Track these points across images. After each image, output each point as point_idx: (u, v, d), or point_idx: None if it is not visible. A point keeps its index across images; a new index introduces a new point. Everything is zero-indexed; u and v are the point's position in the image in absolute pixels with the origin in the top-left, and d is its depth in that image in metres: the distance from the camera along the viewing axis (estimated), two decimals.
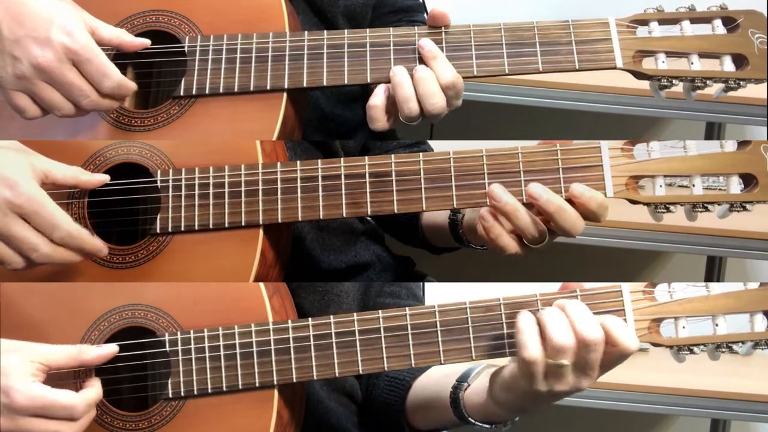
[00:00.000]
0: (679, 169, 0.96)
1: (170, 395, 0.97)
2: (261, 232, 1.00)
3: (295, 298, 1.09)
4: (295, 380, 0.97)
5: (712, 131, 2.14)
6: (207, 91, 1.03)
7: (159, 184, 1.01)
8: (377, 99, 1.02)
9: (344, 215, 1.00)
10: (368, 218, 1.29)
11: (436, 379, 1.07)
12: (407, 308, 0.97)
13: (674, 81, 1.01)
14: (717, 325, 0.93)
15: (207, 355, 0.97)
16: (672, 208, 0.97)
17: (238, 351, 0.97)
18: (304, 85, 1.03)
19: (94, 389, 0.94)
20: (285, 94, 1.03)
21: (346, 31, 1.04)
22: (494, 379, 0.96)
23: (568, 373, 0.90)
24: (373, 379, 1.16)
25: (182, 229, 1.01)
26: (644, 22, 1.02)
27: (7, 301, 1.01)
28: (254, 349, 0.97)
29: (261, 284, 0.99)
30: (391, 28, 1.04)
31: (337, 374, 0.96)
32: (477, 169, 0.99)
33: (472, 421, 1.00)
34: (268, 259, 1.02)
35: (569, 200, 0.96)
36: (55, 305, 1.01)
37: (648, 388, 1.86)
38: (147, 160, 1.03)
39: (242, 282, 0.99)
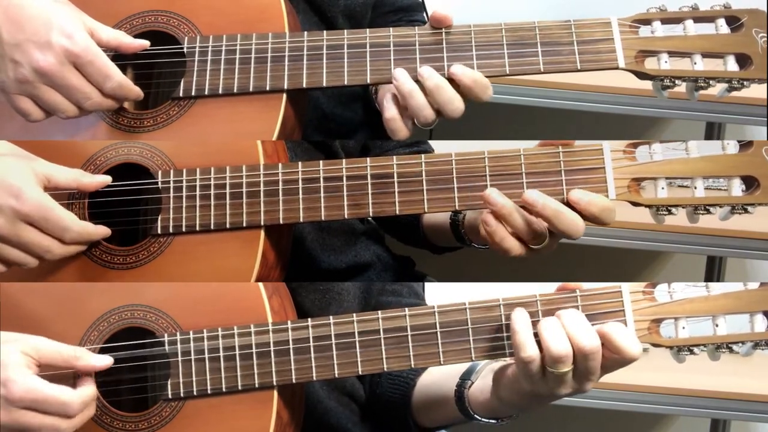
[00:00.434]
0: (681, 171, 0.96)
1: (170, 396, 0.97)
2: (262, 233, 1.00)
3: (295, 297, 1.09)
4: (294, 381, 0.97)
5: (713, 131, 2.14)
6: (206, 92, 1.03)
7: (160, 184, 1.01)
8: (391, 111, 1.01)
9: (346, 216, 0.99)
10: (369, 219, 1.29)
11: (440, 377, 1.08)
12: (406, 309, 0.96)
13: (677, 81, 1.00)
14: (717, 325, 0.93)
15: (206, 356, 0.97)
16: (674, 210, 0.97)
17: (237, 352, 0.97)
18: (304, 85, 1.03)
19: (90, 388, 0.94)
20: (284, 95, 1.03)
21: (345, 31, 1.03)
22: (497, 378, 0.96)
23: (569, 379, 0.91)
24: (376, 378, 1.16)
25: (183, 229, 1.00)
26: (647, 22, 1.01)
27: (8, 301, 1.01)
28: (253, 350, 0.97)
29: (260, 285, 0.99)
30: (391, 29, 1.03)
31: (336, 375, 0.96)
32: (479, 170, 0.98)
33: (477, 417, 1.01)
34: (269, 260, 1.02)
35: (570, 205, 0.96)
36: (55, 305, 1.01)
37: (648, 388, 1.86)
38: (148, 160, 1.02)
39: (242, 282, 0.99)
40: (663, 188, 0.96)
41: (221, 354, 0.97)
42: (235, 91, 1.03)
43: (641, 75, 1.01)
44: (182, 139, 1.03)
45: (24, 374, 0.89)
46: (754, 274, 2.33)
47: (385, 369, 0.96)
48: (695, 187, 0.96)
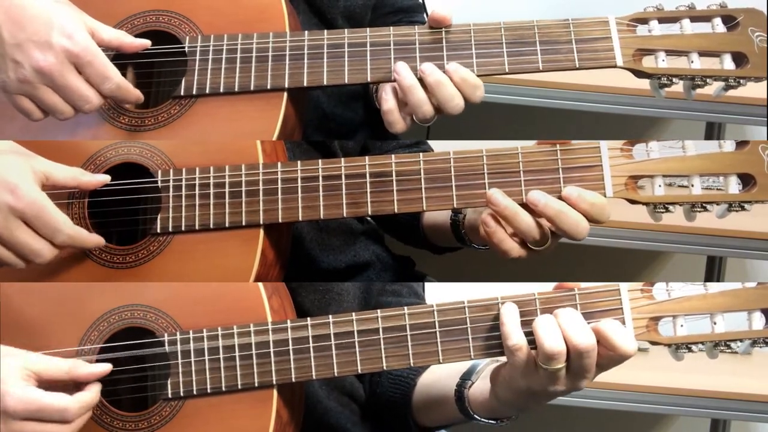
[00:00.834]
0: (678, 169, 0.97)
1: (169, 395, 0.97)
2: (261, 231, 1.00)
3: (295, 297, 1.09)
4: (294, 380, 0.97)
5: (712, 131, 2.14)
6: (207, 91, 1.03)
7: (159, 184, 1.01)
8: (389, 103, 1.02)
9: (345, 215, 1.00)
10: (368, 219, 1.29)
11: (440, 377, 1.08)
12: (406, 308, 0.97)
13: (674, 79, 1.01)
14: (715, 323, 0.93)
15: (206, 355, 0.97)
16: (671, 208, 0.97)
17: (237, 351, 0.97)
18: (305, 84, 1.03)
19: (89, 392, 0.94)
20: (285, 94, 1.03)
21: (346, 30, 1.04)
22: (495, 377, 0.96)
23: (563, 376, 0.91)
24: (377, 377, 1.16)
25: (183, 229, 1.01)
26: (644, 21, 1.02)
27: (7, 301, 1.01)
28: (253, 349, 0.97)
29: (260, 284, 0.99)
30: (391, 28, 1.04)
31: (336, 374, 0.96)
32: (477, 169, 0.99)
33: (477, 417, 1.01)
34: (268, 259, 1.02)
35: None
36: (54, 305, 1.01)
37: (648, 388, 1.86)
38: (147, 160, 1.03)
39: (242, 282, 0.99)
40: (660, 186, 0.97)
41: (221, 353, 0.97)
42: (236, 89, 1.03)
43: (639, 73, 1.01)
44: (182, 139, 1.03)
45: (20, 386, 0.89)
46: (754, 274, 2.33)
47: (385, 368, 0.96)
48: (692, 185, 0.96)
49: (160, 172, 1.02)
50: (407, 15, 1.31)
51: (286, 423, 1.00)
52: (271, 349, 0.97)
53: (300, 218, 1.00)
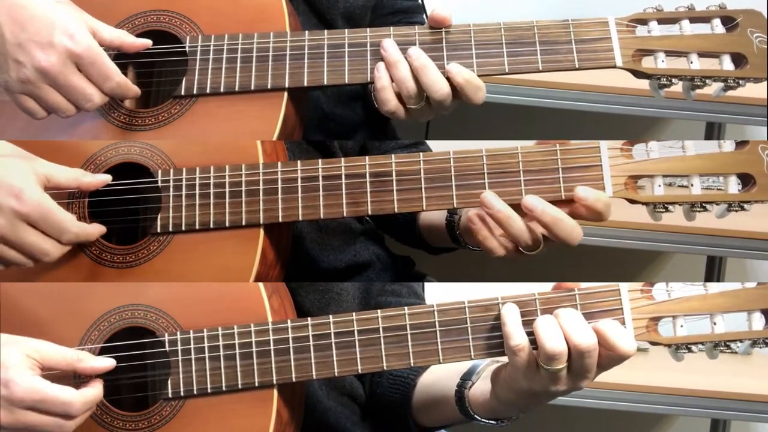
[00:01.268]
0: (678, 169, 0.97)
1: (170, 395, 0.98)
2: (262, 231, 1.00)
3: (295, 297, 1.09)
4: (294, 380, 0.97)
5: (712, 131, 2.14)
6: (208, 91, 1.03)
7: (160, 183, 1.01)
8: (382, 81, 1.02)
9: (345, 215, 1.00)
10: (367, 218, 1.29)
11: (440, 377, 1.08)
12: (406, 308, 0.97)
13: (673, 80, 1.01)
14: (715, 323, 0.93)
15: (206, 355, 0.98)
16: (671, 207, 0.97)
17: (237, 351, 0.97)
18: (305, 84, 1.03)
19: (93, 389, 0.94)
20: (286, 93, 1.03)
21: (346, 30, 1.04)
22: (495, 377, 0.96)
23: (564, 376, 0.91)
24: (377, 378, 1.16)
25: (183, 228, 1.01)
26: (643, 22, 1.02)
27: (8, 300, 1.01)
28: (253, 348, 0.97)
29: (260, 284, 1.00)
30: (391, 28, 1.04)
31: (336, 374, 0.96)
32: (477, 168, 0.99)
33: (478, 418, 1.01)
34: (268, 259, 1.02)
35: (571, 203, 0.96)
36: (55, 305, 1.01)
37: (648, 388, 1.86)
38: (148, 159, 1.03)
39: (242, 282, 0.99)
40: (660, 186, 0.97)
41: (221, 353, 0.98)
42: (236, 89, 1.03)
43: (638, 74, 1.02)
44: (182, 138, 1.03)
45: (26, 375, 0.90)
46: (754, 274, 2.33)
47: (385, 368, 0.96)
48: (692, 185, 0.96)
49: (160, 171, 1.02)
50: (407, 16, 1.31)
51: (287, 422, 1.00)
52: (272, 349, 0.97)
53: (300, 218, 1.00)
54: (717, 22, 1.01)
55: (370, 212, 0.99)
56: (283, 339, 0.97)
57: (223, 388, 0.97)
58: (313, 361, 0.97)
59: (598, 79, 1.96)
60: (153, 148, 1.03)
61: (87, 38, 0.96)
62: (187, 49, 1.04)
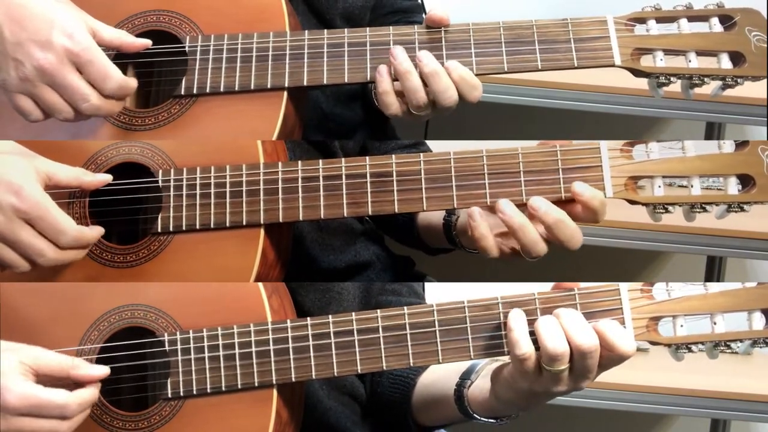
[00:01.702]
0: (678, 170, 0.97)
1: (169, 395, 0.98)
2: (262, 231, 1.00)
3: (295, 296, 1.09)
4: (293, 380, 0.97)
5: (713, 131, 2.14)
6: (208, 90, 1.03)
7: (160, 183, 1.01)
8: (384, 85, 1.02)
9: (345, 215, 1.00)
10: (367, 219, 1.29)
11: (440, 376, 1.08)
12: (405, 307, 0.97)
13: (672, 78, 1.01)
14: (715, 323, 0.93)
15: (206, 355, 0.98)
16: (670, 208, 0.97)
17: (237, 351, 0.97)
18: (305, 83, 1.03)
19: (88, 390, 0.93)
20: (285, 93, 1.03)
21: (346, 30, 1.04)
22: (495, 377, 0.96)
23: (565, 377, 0.91)
24: (377, 377, 1.16)
25: (183, 228, 1.01)
26: (642, 20, 1.02)
27: (8, 301, 1.01)
28: (253, 348, 0.97)
29: (260, 284, 1.00)
30: (391, 27, 1.04)
31: (335, 374, 0.96)
32: (477, 169, 0.99)
33: (477, 417, 1.01)
34: (269, 259, 1.02)
35: (568, 204, 0.96)
36: (55, 305, 1.01)
37: (648, 388, 1.86)
38: (148, 159, 1.03)
39: (242, 282, 0.99)
40: (660, 186, 0.97)
41: (221, 353, 0.98)
42: (236, 89, 1.03)
43: (637, 72, 1.02)
44: (183, 138, 1.03)
45: (19, 381, 0.89)
46: (754, 274, 2.33)
47: (385, 368, 0.96)
48: (692, 186, 0.96)
49: (161, 171, 1.02)
50: (406, 15, 1.31)
51: (286, 423, 1.00)
52: (271, 349, 0.97)
53: (300, 218, 1.00)
54: (715, 20, 1.01)
55: (370, 212, 1.00)
56: (283, 339, 0.97)
57: (223, 389, 0.97)
58: (312, 361, 0.97)
59: (598, 79, 1.96)
60: (154, 148, 1.03)
61: (86, 38, 0.96)
62: (186, 49, 1.04)
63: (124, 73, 1.00)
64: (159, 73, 1.11)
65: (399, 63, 1.01)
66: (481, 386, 1.00)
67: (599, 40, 1.01)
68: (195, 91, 1.04)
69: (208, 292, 1.00)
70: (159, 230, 1.01)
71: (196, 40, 1.05)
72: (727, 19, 1.01)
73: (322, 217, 1.00)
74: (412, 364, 0.96)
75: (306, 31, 1.04)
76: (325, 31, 1.04)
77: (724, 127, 2.12)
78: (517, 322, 0.92)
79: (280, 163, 1.01)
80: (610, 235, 1.94)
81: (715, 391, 1.85)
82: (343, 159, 1.00)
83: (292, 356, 0.97)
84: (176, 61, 1.05)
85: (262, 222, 1.00)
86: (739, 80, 1.00)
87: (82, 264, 1.00)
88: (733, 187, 0.96)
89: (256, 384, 0.97)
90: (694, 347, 0.94)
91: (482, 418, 1.01)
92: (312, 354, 0.97)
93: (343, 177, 1.00)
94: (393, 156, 1.00)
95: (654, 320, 0.93)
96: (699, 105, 1.94)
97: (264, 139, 1.02)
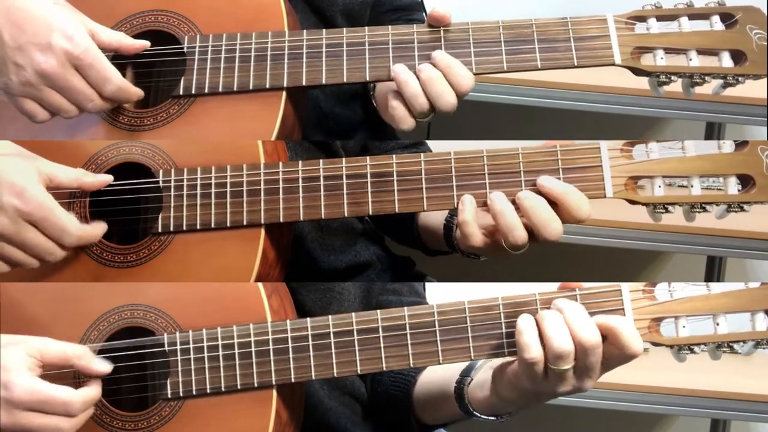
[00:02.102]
0: (678, 170, 0.97)
1: (169, 395, 0.97)
2: (263, 231, 1.00)
3: (296, 296, 1.09)
4: (293, 380, 0.97)
5: (713, 131, 2.14)
6: (206, 90, 1.03)
7: (161, 183, 1.01)
8: (394, 101, 1.02)
9: (346, 214, 1.00)
10: (367, 218, 1.29)
11: (440, 374, 1.08)
12: (405, 308, 0.97)
13: (673, 77, 1.01)
14: (718, 324, 0.93)
15: (206, 355, 0.97)
16: (670, 208, 0.97)
17: (236, 351, 0.97)
18: (303, 83, 1.03)
19: (93, 389, 0.94)
20: (284, 93, 1.03)
21: (344, 30, 1.04)
22: (497, 376, 0.96)
23: (570, 376, 0.91)
24: (378, 376, 1.16)
25: (184, 228, 1.01)
26: (642, 19, 1.02)
27: (8, 301, 1.01)
28: (252, 349, 0.97)
29: (260, 284, 0.99)
30: (389, 27, 1.04)
31: (335, 374, 0.96)
32: (478, 169, 0.99)
33: (477, 414, 1.01)
34: (269, 259, 1.02)
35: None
36: (55, 305, 1.01)
37: (648, 388, 1.86)
38: (149, 159, 1.03)
39: (242, 282, 0.99)
40: (660, 186, 0.97)
41: (220, 353, 0.97)
42: (234, 89, 1.03)
43: (637, 71, 1.02)
44: (183, 138, 1.03)
45: (25, 376, 0.90)
46: (754, 274, 2.33)
47: (384, 368, 0.96)
48: (692, 186, 0.96)
49: (161, 171, 1.02)
50: (406, 13, 1.31)
51: (286, 423, 1.00)
52: (271, 349, 0.97)
53: (301, 218, 1.00)
54: (716, 18, 1.01)
55: (371, 212, 0.99)
56: (282, 339, 0.97)
57: (222, 389, 0.97)
58: (312, 361, 0.97)
59: (598, 79, 1.96)
60: (154, 148, 1.03)
61: (86, 40, 0.96)
62: (185, 49, 1.04)
63: (123, 74, 1.00)
64: (158, 74, 1.10)
65: (398, 73, 1.01)
66: (481, 383, 1.00)
67: (599, 39, 1.01)
68: (193, 92, 1.03)
69: (208, 292, 1.00)
70: (159, 230, 1.01)
71: (194, 40, 1.05)
72: (728, 17, 1.00)
73: (322, 217, 1.00)
74: (412, 365, 0.96)
75: (305, 31, 1.04)
76: (324, 31, 1.04)
77: (724, 127, 2.13)
78: (527, 325, 0.92)
79: (280, 163, 1.01)
80: (610, 235, 1.94)
81: (715, 391, 1.85)
82: (343, 159, 1.00)
83: (291, 356, 0.97)
84: (175, 61, 1.05)
85: (262, 222, 1.00)
86: (740, 79, 1.00)
87: (82, 264, 1.01)
88: (732, 187, 0.96)
89: (256, 384, 0.97)
90: (696, 348, 0.94)
91: (483, 416, 1.01)
92: (312, 354, 0.97)
93: (344, 177, 1.00)
94: (393, 156, 1.00)
95: (656, 321, 0.93)
96: (699, 105, 1.94)
97: (263, 139, 1.02)
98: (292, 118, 1.05)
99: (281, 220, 1.00)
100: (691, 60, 1.00)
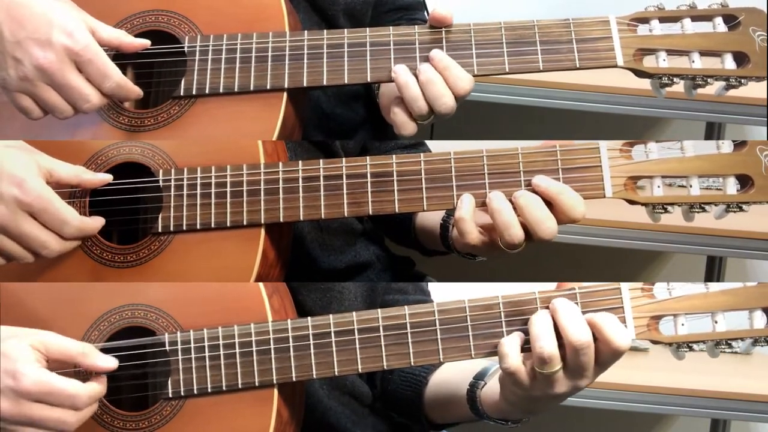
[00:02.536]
0: (677, 170, 0.97)
1: (170, 395, 0.98)
2: (263, 231, 1.00)
3: (296, 296, 1.09)
4: (294, 379, 0.97)
5: (712, 131, 2.14)
6: (207, 91, 1.03)
7: (161, 183, 1.01)
8: (395, 108, 1.03)
9: (345, 214, 1.00)
10: (366, 218, 1.29)
11: (453, 376, 1.08)
12: (406, 307, 0.97)
13: (675, 79, 1.01)
14: (716, 322, 0.93)
15: (207, 354, 0.98)
16: (670, 208, 0.97)
17: (237, 350, 0.97)
18: (304, 84, 1.03)
19: (98, 384, 0.94)
20: (285, 94, 1.03)
21: (346, 30, 1.04)
22: (502, 380, 0.97)
23: (561, 378, 0.91)
24: (388, 374, 1.16)
25: (184, 228, 1.01)
26: (645, 20, 1.02)
27: (8, 301, 1.01)
28: (254, 348, 0.97)
29: (260, 284, 1.00)
30: (391, 28, 1.04)
31: (336, 373, 0.96)
32: (477, 169, 0.99)
33: (489, 418, 1.01)
34: (269, 259, 1.02)
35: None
36: (55, 305, 1.01)
37: (648, 388, 1.86)
38: (149, 159, 1.03)
39: (242, 282, 0.99)
40: (659, 187, 0.97)
41: (221, 353, 0.98)
42: (235, 90, 1.03)
43: (640, 73, 1.01)
44: (183, 139, 1.03)
45: (34, 367, 0.90)
46: (754, 274, 2.34)
47: (385, 367, 0.96)
48: (691, 186, 0.97)
49: (161, 171, 1.02)
50: (408, 13, 1.31)
51: (287, 422, 1.00)
52: (272, 348, 0.97)
53: (301, 218, 1.00)
54: (719, 20, 1.00)
55: (371, 212, 0.99)
56: (283, 338, 0.97)
57: (224, 388, 0.97)
58: (313, 360, 0.97)
59: (598, 79, 1.96)
60: (154, 148, 1.03)
61: (86, 37, 0.96)
62: (186, 49, 1.04)
63: (124, 74, 1.00)
64: (158, 74, 1.10)
65: (398, 76, 1.01)
66: (494, 388, 1.00)
67: (601, 41, 1.01)
68: (194, 92, 1.03)
69: (209, 291, 1.00)
70: (159, 230, 1.01)
71: (195, 41, 1.04)
72: (731, 19, 1.00)
73: (322, 217, 1.00)
74: (413, 364, 0.96)
75: (305, 32, 1.04)
76: (325, 31, 1.04)
77: (724, 127, 2.13)
78: (509, 342, 0.93)
79: (280, 163, 1.01)
80: (610, 235, 1.94)
81: (715, 391, 1.85)
82: (343, 159, 1.01)
83: (292, 356, 0.97)
84: (175, 61, 1.05)
85: (262, 222, 1.00)
86: (742, 81, 1.00)
87: (83, 264, 1.01)
88: (731, 187, 0.96)
89: (257, 383, 0.97)
90: (695, 346, 0.94)
91: (494, 420, 1.01)
92: (312, 353, 0.97)
93: (344, 177, 1.00)
94: (393, 156, 1.00)
95: (655, 319, 0.93)
96: (699, 105, 1.94)
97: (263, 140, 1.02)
98: (293, 118, 1.05)
99: (281, 220, 1.00)
100: (693, 62, 1.00)
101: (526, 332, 0.93)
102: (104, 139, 1.04)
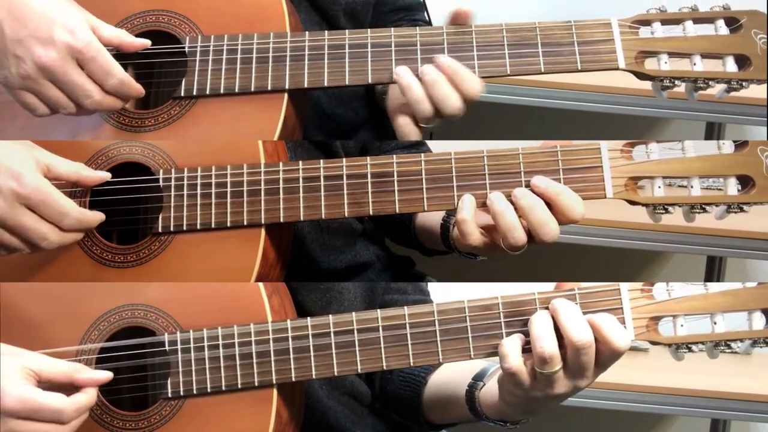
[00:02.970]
0: (678, 171, 0.97)
1: (169, 395, 0.98)
2: (263, 231, 1.00)
3: (296, 296, 1.09)
4: (294, 379, 0.97)
5: (713, 131, 2.14)
6: (207, 92, 1.03)
7: (161, 183, 1.01)
8: (400, 119, 1.03)
9: (346, 215, 1.00)
10: (367, 218, 1.29)
11: (452, 376, 1.08)
12: (405, 308, 0.97)
13: (677, 82, 1.01)
14: (715, 323, 0.93)
15: (206, 354, 0.98)
16: (670, 209, 0.97)
17: (237, 351, 0.97)
18: (305, 85, 1.03)
19: (85, 395, 0.93)
20: (286, 95, 1.03)
21: (347, 31, 1.04)
22: (501, 381, 0.97)
23: (561, 378, 0.91)
24: (387, 374, 1.16)
25: (184, 228, 1.01)
26: (647, 23, 1.02)
27: (8, 301, 1.01)
28: (253, 348, 0.97)
29: (260, 284, 1.00)
30: (392, 29, 1.04)
31: (336, 373, 0.96)
32: (478, 169, 0.99)
33: (488, 419, 1.01)
34: (269, 259, 1.02)
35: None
36: (55, 305, 1.01)
37: (648, 388, 1.86)
38: (149, 159, 1.03)
39: (242, 282, 0.99)
40: (660, 187, 0.97)
41: (221, 353, 0.98)
42: (236, 90, 1.03)
43: (641, 75, 1.01)
44: (184, 139, 1.03)
45: (17, 385, 0.89)
46: (754, 274, 2.34)
47: (385, 367, 0.96)
48: (691, 187, 0.97)
49: (161, 171, 1.02)
50: (408, 13, 1.31)
51: (286, 422, 1.00)
52: (272, 349, 0.97)
53: (301, 218, 1.00)
54: (721, 23, 1.00)
55: (371, 212, 0.99)
56: (283, 339, 0.97)
57: (223, 388, 0.97)
58: (312, 361, 0.97)
59: (598, 80, 1.96)
60: (154, 148, 1.03)
61: (88, 34, 0.96)
62: (186, 49, 1.04)
63: None
64: (159, 74, 1.10)
65: (401, 78, 1.01)
66: (492, 389, 1.00)
67: (603, 43, 1.01)
68: (195, 93, 1.03)
69: (209, 291, 1.00)
70: (160, 230, 1.01)
71: (195, 41, 1.04)
72: (732, 22, 1.00)
73: (323, 217, 1.00)
74: (412, 364, 0.96)
75: (306, 32, 1.04)
76: (326, 32, 1.04)
77: (724, 127, 2.13)
78: (509, 342, 0.93)
79: (281, 163, 1.01)
80: (610, 235, 1.94)
81: (715, 391, 1.85)
82: (344, 159, 1.00)
83: (292, 356, 0.97)
84: (176, 61, 1.05)
85: (263, 222, 1.00)
86: (744, 83, 1.00)
87: (83, 264, 1.01)
88: (732, 187, 0.96)
89: (257, 384, 0.97)
90: (694, 347, 0.94)
91: (493, 421, 1.01)
92: (312, 354, 0.97)
93: (344, 177, 1.00)
94: (394, 156, 1.00)
95: (654, 320, 0.94)
96: (699, 105, 1.94)
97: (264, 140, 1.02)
98: (293, 119, 1.05)
99: (281, 220, 1.00)
100: (695, 64, 1.00)
101: (526, 333, 0.93)
102: (105, 139, 1.04)
